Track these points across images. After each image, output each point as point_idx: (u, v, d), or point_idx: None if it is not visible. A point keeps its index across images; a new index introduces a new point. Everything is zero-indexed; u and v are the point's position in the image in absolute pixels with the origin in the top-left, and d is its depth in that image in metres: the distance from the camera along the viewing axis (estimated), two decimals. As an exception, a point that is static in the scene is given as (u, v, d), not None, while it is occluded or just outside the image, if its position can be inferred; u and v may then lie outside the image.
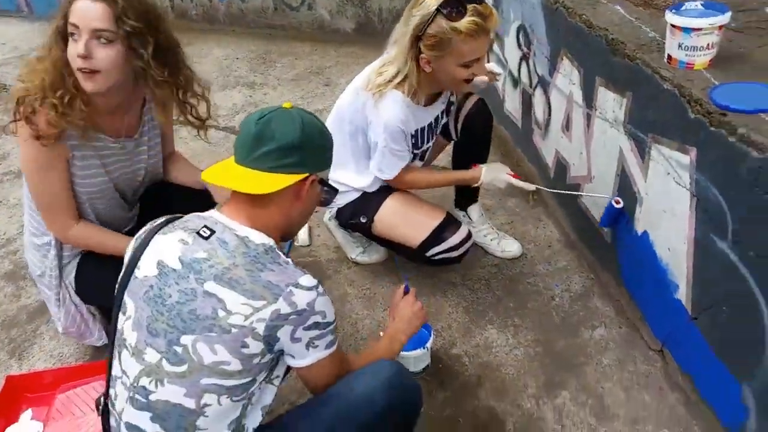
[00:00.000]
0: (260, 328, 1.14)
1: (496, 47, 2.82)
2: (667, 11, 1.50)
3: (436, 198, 2.57)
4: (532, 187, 2.07)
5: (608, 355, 1.93)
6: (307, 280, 1.19)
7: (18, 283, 2.41)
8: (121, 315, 1.24)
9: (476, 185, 2.11)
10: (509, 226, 2.52)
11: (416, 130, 2.00)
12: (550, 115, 2.36)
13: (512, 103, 2.79)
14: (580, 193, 2.15)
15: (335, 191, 1.40)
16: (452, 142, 2.27)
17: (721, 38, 1.50)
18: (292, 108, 1.27)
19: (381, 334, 1.96)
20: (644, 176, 1.74)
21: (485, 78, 2.04)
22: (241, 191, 1.22)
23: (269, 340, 1.16)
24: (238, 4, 4.62)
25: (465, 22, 1.66)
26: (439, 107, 2.05)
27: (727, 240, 1.43)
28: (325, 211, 2.35)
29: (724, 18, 1.44)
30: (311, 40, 4.43)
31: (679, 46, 1.50)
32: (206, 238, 1.20)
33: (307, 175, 1.26)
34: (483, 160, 2.24)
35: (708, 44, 1.48)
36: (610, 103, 1.84)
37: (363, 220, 2.12)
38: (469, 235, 2.05)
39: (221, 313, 1.13)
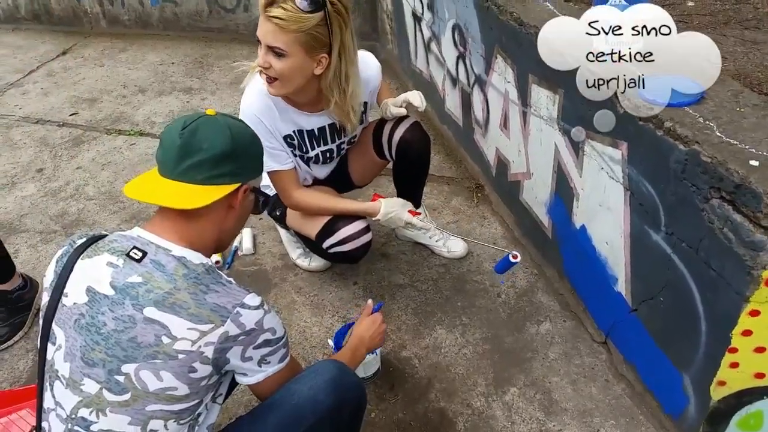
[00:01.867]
0: (209, 352, 1.11)
1: (434, 46, 2.82)
2: (592, 7, 1.51)
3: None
4: (430, 227, 1.99)
5: (554, 349, 1.95)
6: (253, 299, 1.16)
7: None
8: (50, 345, 1.17)
9: (374, 219, 1.96)
10: (455, 225, 2.53)
11: (294, 132, 1.90)
12: (488, 113, 2.37)
13: (452, 102, 2.79)
14: (479, 242, 2.19)
15: (268, 198, 1.36)
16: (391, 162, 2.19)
17: (646, 33, 1.53)
18: (217, 115, 1.22)
19: (329, 342, 1.94)
20: (579, 172, 1.76)
21: (402, 110, 1.99)
22: (173, 207, 1.16)
23: (218, 362, 1.14)
24: (171, 8, 4.51)
25: None
26: (323, 118, 1.93)
27: (660, 232, 1.46)
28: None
29: (647, 13, 1.47)
30: (249, 43, 4.32)
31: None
32: (139, 261, 1.14)
33: (240, 184, 1.22)
34: (421, 181, 2.23)
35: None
36: (544, 100, 1.85)
37: (278, 213, 2.12)
38: (365, 229, 1.95)
39: (166, 340, 1.08)
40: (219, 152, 1.17)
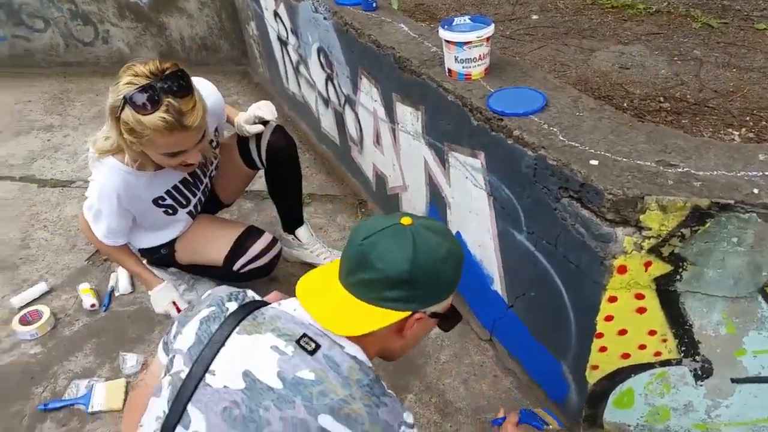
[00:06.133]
0: None
1: (303, 69, 2.85)
2: (439, 28, 1.60)
3: (264, 224, 2.54)
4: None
5: (445, 352, 2.02)
6: (408, 416, 1.03)
7: None
8: (180, 428, 0.98)
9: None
10: (342, 242, 2.55)
11: (167, 192, 1.90)
12: (361, 131, 2.43)
13: (327, 122, 2.83)
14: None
15: (456, 319, 1.17)
16: (262, 170, 2.24)
17: (491, 48, 1.63)
18: (412, 225, 1.04)
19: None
20: (448, 182, 1.84)
21: (259, 127, 2.03)
22: (330, 330, 1.02)
23: None
24: (21, 44, 4.23)
25: (154, 118, 1.52)
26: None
27: (523, 232, 1.56)
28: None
29: (489, 30, 1.57)
30: (113, 74, 4.14)
31: (456, 59, 1.61)
32: (311, 353, 0.99)
33: (411, 312, 1.05)
34: (297, 182, 2.27)
35: (480, 55, 1.60)
36: (408, 116, 1.92)
37: (164, 252, 2.06)
38: (273, 242, 2.04)
39: None
40: (392, 276, 1.01)
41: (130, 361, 2.04)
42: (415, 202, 2.16)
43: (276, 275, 2.38)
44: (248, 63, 3.99)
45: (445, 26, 1.60)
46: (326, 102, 2.71)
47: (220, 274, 2.05)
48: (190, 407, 0.98)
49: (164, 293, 2.05)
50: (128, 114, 1.53)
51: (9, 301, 2.33)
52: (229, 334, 1.03)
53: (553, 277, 1.51)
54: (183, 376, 1.01)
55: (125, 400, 1.92)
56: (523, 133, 1.42)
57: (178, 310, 2.04)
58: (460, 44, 1.57)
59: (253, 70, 3.95)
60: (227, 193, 2.27)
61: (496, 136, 1.49)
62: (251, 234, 2.02)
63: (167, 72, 1.55)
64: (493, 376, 1.92)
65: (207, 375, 1.00)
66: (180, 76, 1.57)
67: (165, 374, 1.07)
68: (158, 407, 1.02)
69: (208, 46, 4.02)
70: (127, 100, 1.52)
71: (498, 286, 1.79)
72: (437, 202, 1.98)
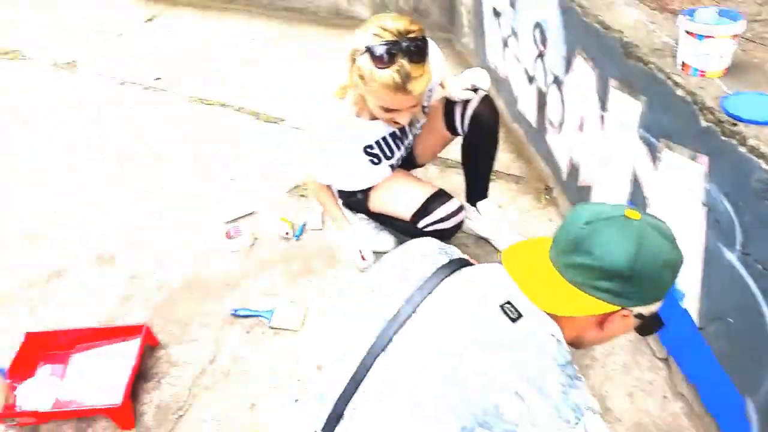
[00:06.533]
0: None
1: (511, 43, 2.79)
2: (680, 16, 1.47)
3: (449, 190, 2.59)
4: (365, 266, 2.22)
5: (614, 360, 1.92)
6: (595, 402, 1.00)
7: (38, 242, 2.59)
8: (382, 355, 1.04)
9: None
10: (521, 224, 2.51)
11: (377, 142, 2.03)
12: (563, 115, 2.33)
13: (526, 101, 2.75)
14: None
15: (658, 326, 1.13)
16: (459, 137, 2.25)
17: (736, 47, 1.47)
18: (640, 220, 1.01)
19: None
20: (654, 183, 1.71)
21: (471, 94, 2.06)
22: (535, 303, 1.03)
23: None
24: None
25: (384, 74, 1.65)
26: None
27: (735, 251, 1.41)
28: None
29: (739, 26, 1.41)
30: (325, 25, 4.40)
31: (693, 52, 1.47)
32: (513, 320, 1.00)
33: (619, 308, 1.02)
34: (492, 155, 2.27)
35: (722, 52, 1.45)
36: (623, 106, 1.81)
37: (359, 197, 2.21)
38: (459, 209, 2.07)
39: (524, 426, 0.93)
40: (607, 267, 0.98)
41: (312, 289, 2.24)
42: (609, 197, 2.05)
43: (451, 243, 2.41)
44: (454, 31, 3.99)
45: (687, 15, 1.46)
46: (530, 79, 2.63)
47: (404, 227, 2.14)
48: (396, 338, 1.04)
49: (352, 239, 2.20)
50: (364, 61, 1.67)
51: (219, 215, 2.65)
52: (438, 284, 1.08)
53: (760, 308, 1.35)
54: (393, 311, 1.07)
55: (303, 323, 2.12)
56: (760, 143, 1.27)
57: (363, 259, 2.17)
58: (701, 37, 1.43)
59: (456, 39, 3.95)
60: (423, 153, 2.34)
61: (726, 141, 1.35)
62: (441, 196, 2.08)
63: (412, 35, 1.65)
64: (662, 397, 1.79)
65: (414, 315, 1.05)
66: (421, 42, 1.66)
67: (371, 306, 1.13)
68: (366, 335, 1.08)
69: (419, 10, 4.09)
70: (369, 49, 1.65)
71: (690, 304, 1.65)
72: (636, 202, 1.86)
